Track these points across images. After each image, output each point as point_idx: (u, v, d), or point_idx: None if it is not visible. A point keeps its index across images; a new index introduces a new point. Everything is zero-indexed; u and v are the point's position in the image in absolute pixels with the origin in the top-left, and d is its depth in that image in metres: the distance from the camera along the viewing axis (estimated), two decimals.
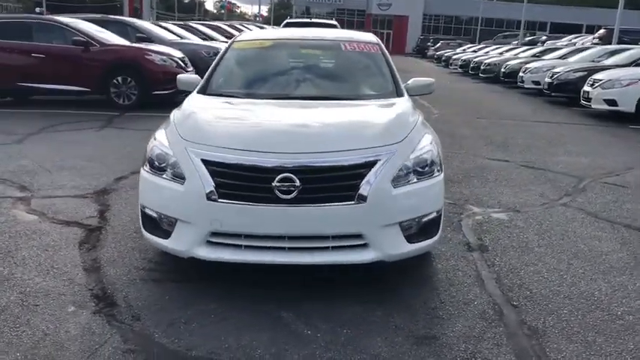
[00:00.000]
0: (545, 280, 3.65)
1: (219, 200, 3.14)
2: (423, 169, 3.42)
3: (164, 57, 10.98)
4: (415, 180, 3.36)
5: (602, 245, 4.31)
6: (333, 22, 14.66)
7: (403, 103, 4.13)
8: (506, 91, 17.80)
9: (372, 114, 3.89)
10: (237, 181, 3.17)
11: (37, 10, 50.80)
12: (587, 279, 3.69)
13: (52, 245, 4.02)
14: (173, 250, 3.36)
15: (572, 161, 7.34)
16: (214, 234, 3.21)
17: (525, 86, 16.60)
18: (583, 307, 3.31)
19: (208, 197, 3.15)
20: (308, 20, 14.89)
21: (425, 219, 3.40)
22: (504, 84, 19.29)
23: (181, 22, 20.76)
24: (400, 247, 3.31)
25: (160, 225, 3.39)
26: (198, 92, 4.32)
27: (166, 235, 3.35)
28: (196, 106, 3.99)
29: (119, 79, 10.50)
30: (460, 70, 26.53)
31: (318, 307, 3.20)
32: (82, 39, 10.53)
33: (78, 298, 3.25)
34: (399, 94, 4.36)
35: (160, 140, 3.56)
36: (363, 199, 3.13)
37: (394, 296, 3.37)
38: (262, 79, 4.61)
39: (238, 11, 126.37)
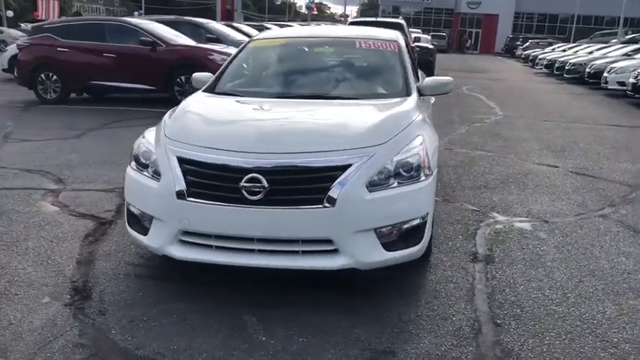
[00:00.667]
0: (543, 298, 3.34)
1: (188, 199, 3.11)
2: (407, 173, 3.23)
3: (226, 56, 11.20)
4: (396, 184, 3.18)
5: (628, 263, 3.90)
6: (399, 20, 14.32)
7: (405, 103, 3.94)
8: (589, 92, 16.72)
9: (363, 114, 3.72)
10: (208, 180, 3.13)
11: (136, 13, 53.74)
12: (594, 300, 3.34)
13: (59, 237, 4.17)
14: (149, 246, 3.38)
15: (633, 169, 6.74)
16: (186, 233, 3.19)
17: (609, 87, 15.54)
18: (575, 330, 2.99)
19: (178, 195, 3.13)
20: (372, 19, 14.66)
21: (406, 226, 3.21)
22: (589, 85, 18.16)
23: (256, 23, 21.17)
24: (375, 255, 3.14)
25: (141, 221, 3.42)
26: (203, 91, 4.33)
27: (145, 231, 3.37)
28: (191, 104, 4.00)
29: (182, 77, 10.83)
30: (545, 70, 25.27)
31: (286, 312, 3.10)
32: (148, 39, 10.96)
33: (57, 290, 3.34)
34: (408, 94, 4.16)
35: (148, 138, 3.60)
36: (331, 203, 3.00)
37: (370, 306, 3.20)
38: (269, 77, 4.57)
39: (328, 12, 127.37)
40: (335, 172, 3.07)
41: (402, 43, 4.73)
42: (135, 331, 2.90)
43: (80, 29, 11.66)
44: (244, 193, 3.03)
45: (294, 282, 3.40)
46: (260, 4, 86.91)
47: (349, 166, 3.09)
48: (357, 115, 3.68)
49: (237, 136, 3.39)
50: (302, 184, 3.07)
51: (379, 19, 14.55)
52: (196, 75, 4.72)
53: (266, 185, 3.02)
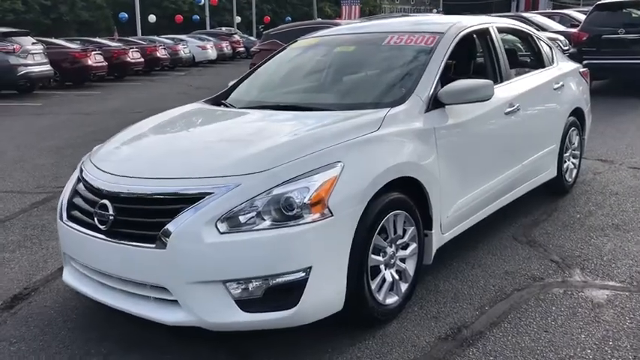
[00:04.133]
0: None
1: (63, 220, 2.90)
2: (287, 212, 2.45)
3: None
4: (268, 225, 2.43)
5: None
6: None
7: (370, 115, 3.00)
8: None
9: (284, 131, 2.94)
10: (80, 202, 2.88)
11: (434, 10, 54.72)
12: None
13: None
14: None
15: None
16: (72, 258, 2.97)
17: None
18: None
19: (60, 216, 2.94)
20: None
21: (276, 281, 2.44)
22: None
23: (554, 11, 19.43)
24: (226, 315, 2.45)
25: None
26: (205, 101, 3.99)
27: None
28: (152, 117, 3.70)
29: None
30: None
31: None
32: None
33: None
34: (402, 101, 3.16)
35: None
36: (164, 242, 2.43)
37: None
38: (266, 84, 3.99)
39: None
40: (182, 204, 2.49)
41: (448, 36, 3.60)
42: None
43: (298, 33, 12.23)
44: (95, 220, 2.67)
45: None
46: None
47: (201, 197, 2.47)
48: (274, 133, 2.94)
49: (124, 156, 3.04)
50: (143, 216, 2.57)
51: None
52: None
53: (112, 214, 2.61)
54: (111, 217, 2.61)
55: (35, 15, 47.28)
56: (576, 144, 4.98)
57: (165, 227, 2.44)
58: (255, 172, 2.52)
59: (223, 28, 38.14)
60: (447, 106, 3.30)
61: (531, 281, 3.33)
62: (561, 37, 12.98)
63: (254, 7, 47.64)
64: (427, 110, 3.20)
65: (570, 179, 4.95)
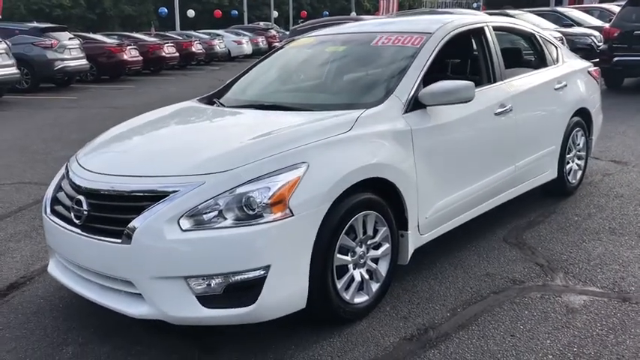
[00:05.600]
0: None
1: (47, 214, 3.03)
2: (249, 211, 2.52)
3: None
4: (230, 224, 2.51)
5: None
6: None
7: (343, 117, 3.03)
8: None
9: (256, 130, 2.99)
10: (63, 197, 3.01)
11: (474, 5, 53.83)
12: None
13: None
14: None
15: None
16: (55, 251, 3.10)
17: None
18: None
19: (44, 210, 3.08)
20: None
21: (235, 278, 2.51)
22: None
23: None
24: (187, 310, 2.54)
25: None
26: (200, 98, 4.09)
27: None
28: (139, 117, 3.81)
29: None
30: None
31: None
32: None
33: None
34: (380, 102, 3.19)
35: None
36: (129, 238, 2.53)
37: None
38: (265, 82, 4.05)
39: None
40: (147, 201, 2.58)
41: (435, 38, 3.59)
42: None
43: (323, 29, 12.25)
44: (72, 214, 2.80)
45: None
46: None
47: (165, 195, 2.56)
48: (247, 133, 2.99)
49: (102, 154, 3.16)
50: (113, 212, 2.67)
51: None
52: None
53: (86, 209, 2.73)
54: (85, 213, 2.72)
55: (81, 10, 48.67)
56: (582, 145, 4.89)
57: (131, 223, 2.53)
58: (220, 172, 2.59)
59: (261, 23, 38.45)
60: (428, 107, 3.30)
61: (511, 284, 3.31)
62: (596, 33, 12.65)
63: (291, 1, 47.78)
64: (407, 111, 3.21)
65: (574, 181, 4.86)
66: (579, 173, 4.93)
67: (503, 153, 3.92)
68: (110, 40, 18.26)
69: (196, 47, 23.08)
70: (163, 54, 20.24)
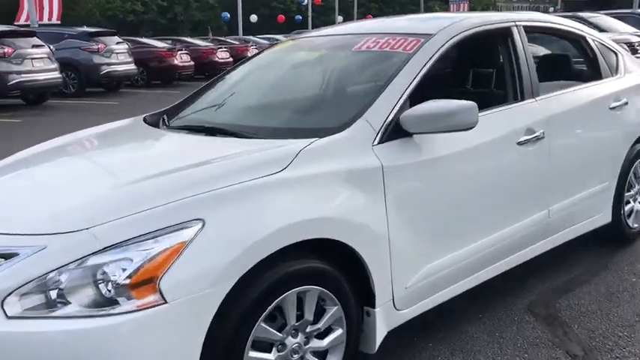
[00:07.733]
0: None
1: None
2: (104, 293, 1.71)
3: None
4: (73, 311, 1.72)
5: None
6: None
7: (276, 150, 2.19)
8: None
9: (157, 166, 2.17)
10: None
11: (551, 9, 51.34)
12: None
13: None
14: None
15: None
16: None
17: None
18: None
19: None
20: None
21: None
22: None
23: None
24: None
25: None
26: (151, 114, 3.33)
27: None
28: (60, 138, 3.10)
29: None
30: None
31: None
32: None
33: None
34: (343, 129, 2.31)
35: None
36: None
37: None
38: (218, 97, 3.17)
39: None
40: None
41: (436, 41, 2.67)
42: None
43: None
44: None
45: None
46: None
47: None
48: (145, 168, 2.20)
49: None
50: None
51: None
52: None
53: None
54: None
55: (153, 15, 49.83)
56: None
57: None
58: (70, 232, 1.80)
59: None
60: (415, 136, 2.40)
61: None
62: None
63: (356, 5, 47.07)
64: (382, 141, 2.32)
65: (636, 225, 3.78)
66: None
67: (529, 194, 2.94)
68: (161, 45, 18.06)
69: (251, 52, 22.68)
70: (216, 59, 19.89)
